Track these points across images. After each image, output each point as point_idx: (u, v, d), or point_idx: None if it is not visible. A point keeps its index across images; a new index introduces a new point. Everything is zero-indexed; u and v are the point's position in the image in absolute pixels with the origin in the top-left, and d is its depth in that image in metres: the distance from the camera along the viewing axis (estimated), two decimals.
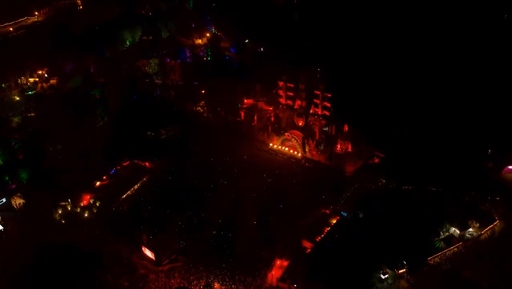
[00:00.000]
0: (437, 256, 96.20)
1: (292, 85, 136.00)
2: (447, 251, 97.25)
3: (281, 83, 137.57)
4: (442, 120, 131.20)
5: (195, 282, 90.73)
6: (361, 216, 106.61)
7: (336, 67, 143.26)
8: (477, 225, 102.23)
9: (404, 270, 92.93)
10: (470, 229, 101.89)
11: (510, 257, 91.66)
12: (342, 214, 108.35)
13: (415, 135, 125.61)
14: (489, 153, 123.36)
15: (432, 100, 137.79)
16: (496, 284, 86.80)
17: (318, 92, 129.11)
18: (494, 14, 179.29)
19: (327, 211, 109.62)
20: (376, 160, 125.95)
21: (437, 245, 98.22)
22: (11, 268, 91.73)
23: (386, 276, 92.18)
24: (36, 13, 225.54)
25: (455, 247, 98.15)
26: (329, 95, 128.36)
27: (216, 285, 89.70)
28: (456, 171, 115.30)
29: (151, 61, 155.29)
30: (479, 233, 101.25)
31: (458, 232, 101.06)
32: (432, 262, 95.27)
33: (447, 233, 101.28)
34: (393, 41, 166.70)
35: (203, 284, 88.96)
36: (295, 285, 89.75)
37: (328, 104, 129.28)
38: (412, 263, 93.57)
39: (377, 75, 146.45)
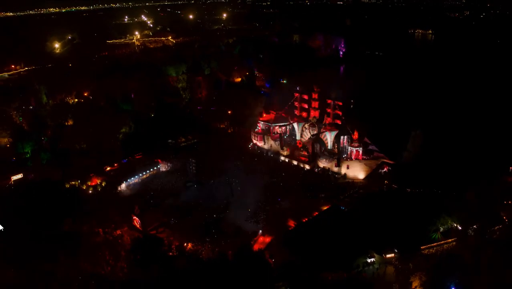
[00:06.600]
0: (432, 246, 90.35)
1: (306, 97, 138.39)
2: (444, 243, 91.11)
3: (296, 94, 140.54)
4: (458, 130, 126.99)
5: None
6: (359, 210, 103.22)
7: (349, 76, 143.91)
8: (481, 223, 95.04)
9: (392, 255, 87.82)
10: (474, 226, 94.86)
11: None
12: (341, 208, 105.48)
13: (429, 144, 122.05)
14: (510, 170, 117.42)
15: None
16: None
17: (329, 101, 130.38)
18: None
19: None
20: (386, 168, 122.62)
21: (433, 236, 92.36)
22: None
23: (372, 259, 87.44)
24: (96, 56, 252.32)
25: (453, 241, 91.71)
26: (340, 103, 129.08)
27: (190, 245, 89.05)
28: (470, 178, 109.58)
29: (180, 77, 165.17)
30: (482, 231, 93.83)
31: (460, 227, 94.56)
32: (426, 251, 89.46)
33: (446, 227, 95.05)
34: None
35: (176, 244, 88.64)
36: (272, 260, 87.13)
37: (340, 113, 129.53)
38: (403, 250, 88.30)
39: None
